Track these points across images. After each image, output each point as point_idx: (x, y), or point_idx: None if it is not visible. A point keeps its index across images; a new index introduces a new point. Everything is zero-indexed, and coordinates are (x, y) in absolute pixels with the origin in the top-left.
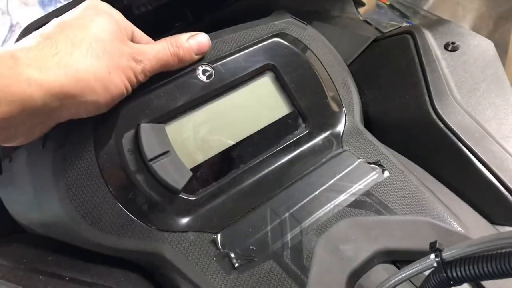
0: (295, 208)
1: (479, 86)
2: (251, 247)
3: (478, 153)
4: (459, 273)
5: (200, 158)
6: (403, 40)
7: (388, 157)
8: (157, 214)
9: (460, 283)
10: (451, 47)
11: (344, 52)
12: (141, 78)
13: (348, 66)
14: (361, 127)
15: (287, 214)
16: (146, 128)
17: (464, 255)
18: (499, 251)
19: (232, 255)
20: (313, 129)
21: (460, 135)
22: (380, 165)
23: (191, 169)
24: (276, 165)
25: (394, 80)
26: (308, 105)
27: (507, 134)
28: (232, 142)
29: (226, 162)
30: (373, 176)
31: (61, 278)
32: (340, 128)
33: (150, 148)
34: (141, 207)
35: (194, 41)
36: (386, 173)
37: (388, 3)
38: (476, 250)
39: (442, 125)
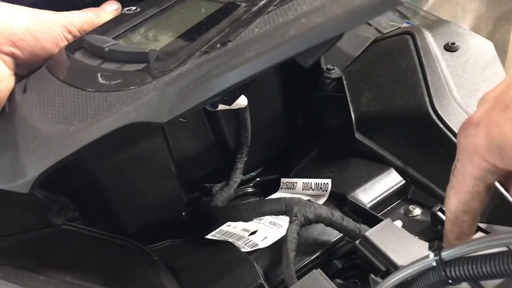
0: None
1: (479, 86)
2: None
3: None
4: (457, 273)
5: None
6: (403, 41)
7: None
8: None
9: (459, 282)
10: (450, 48)
11: (344, 52)
12: None
13: (348, 66)
14: None
15: None
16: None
17: (463, 254)
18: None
19: None
20: None
21: None
22: None
23: None
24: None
25: (394, 80)
26: None
27: None
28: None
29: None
30: None
31: (62, 279)
32: None
33: None
34: None
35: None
36: None
37: None
38: (475, 249)
39: (442, 125)
